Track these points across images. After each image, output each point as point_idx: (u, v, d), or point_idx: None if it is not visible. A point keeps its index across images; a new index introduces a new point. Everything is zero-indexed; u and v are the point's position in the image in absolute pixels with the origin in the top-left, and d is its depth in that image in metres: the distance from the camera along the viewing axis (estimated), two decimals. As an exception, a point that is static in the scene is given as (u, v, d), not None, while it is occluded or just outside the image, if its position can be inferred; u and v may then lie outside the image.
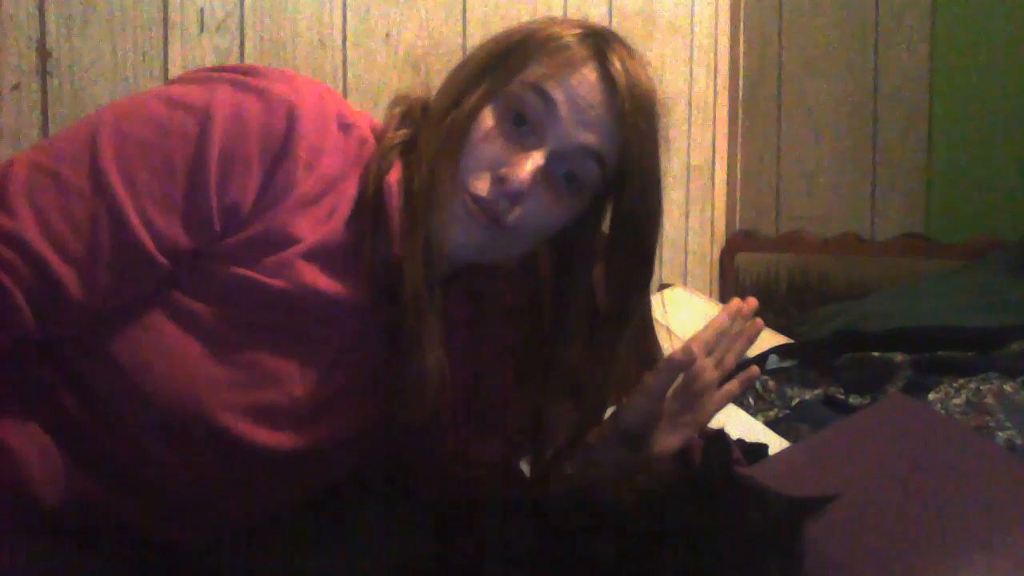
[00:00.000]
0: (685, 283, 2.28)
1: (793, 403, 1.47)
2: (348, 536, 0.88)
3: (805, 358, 1.64)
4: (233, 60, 1.56)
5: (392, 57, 1.73)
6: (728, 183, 2.44)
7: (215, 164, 0.78)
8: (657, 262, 0.94)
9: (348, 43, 1.69)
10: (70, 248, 0.75)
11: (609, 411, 1.03)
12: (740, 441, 1.21)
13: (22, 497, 0.78)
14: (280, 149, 0.80)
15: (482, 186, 0.84)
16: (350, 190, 0.85)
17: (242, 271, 0.80)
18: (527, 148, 0.85)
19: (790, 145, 2.34)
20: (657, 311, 1.22)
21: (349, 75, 1.69)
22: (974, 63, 2.02)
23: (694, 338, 1.03)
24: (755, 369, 1.09)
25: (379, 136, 0.88)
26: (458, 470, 0.98)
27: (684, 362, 1.00)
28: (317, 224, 0.82)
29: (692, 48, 2.34)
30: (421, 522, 0.86)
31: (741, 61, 2.42)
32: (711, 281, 2.42)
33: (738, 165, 2.44)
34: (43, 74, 1.34)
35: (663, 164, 0.90)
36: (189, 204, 0.78)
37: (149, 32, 1.46)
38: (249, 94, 0.80)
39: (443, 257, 0.85)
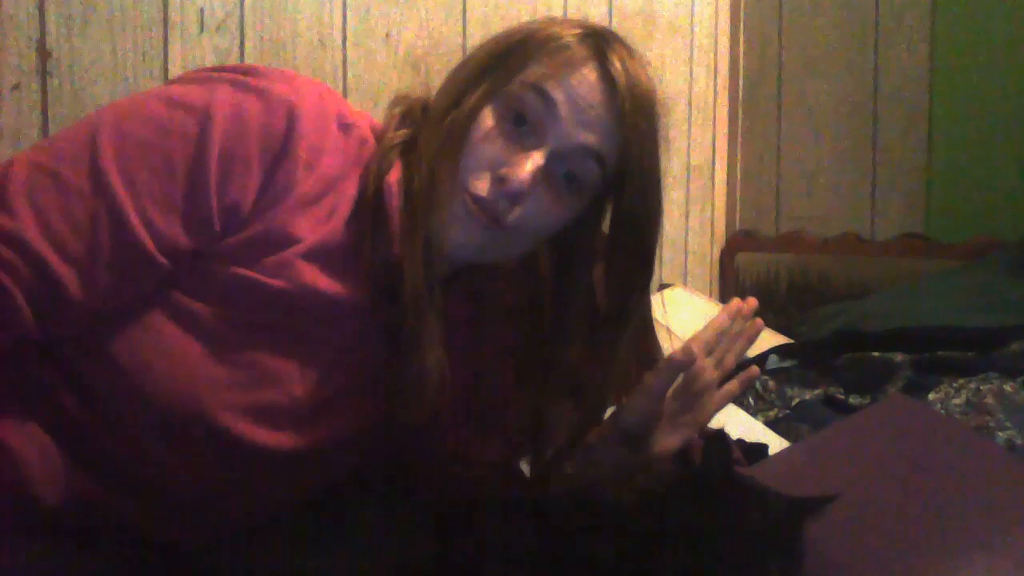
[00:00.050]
0: (685, 283, 2.28)
1: (793, 403, 1.47)
2: (348, 536, 0.88)
3: (805, 358, 1.64)
4: (233, 60, 1.56)
5: (392, 57, 1.73)
6: (728, 183, 2.44)
7: (215, 164, 0.77)
8: (657, 262, 0.94)
9: (348, 43, 1.69)
10: (70, 248, 0.75)
11: (609, 411, 1.03)
12: (740, 441, 1.21)
13: (22, 497, 0.78)
14: (280, 149, 0.80)
15: (482, 186, 0.84)
16: (350, 190, 0.85)
17: (242, 271, 0.80)
18: (527, 148, 0.85)
19: (790, 145, 2.34)
20: (657, 311, 1.22)
21: (349, 75, 1.69)
22: (974, 63, 2.02)
23: (694, 338, 1.03)
24: (755, 369, 1.09)
25: (379, 136, 0.88)
26: (458, 470, 0.98)
27: (684, 362, 1.00)
28: (317, 224, 0.82)
29: (692, 48, 2.34)
30: (421, 522, 0.86)
31: (741, 61, 2.42)
32: (711, 281, 2.42)
33: (738, 165, 2.44)
34: (43, 74, 1.34)
35: (663, 164, 0.90)
36: (189, 204, 0.78)
37: (149, 32, 1.46)
38: (249, 94, 0.80)
39: (443, 257, 0.85)
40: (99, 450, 0.80)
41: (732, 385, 1.05)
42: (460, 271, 0.92)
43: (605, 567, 0.76)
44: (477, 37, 1.85)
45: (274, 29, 1.60)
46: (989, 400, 1.30)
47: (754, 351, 1.53)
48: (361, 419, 0.90)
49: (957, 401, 1.32)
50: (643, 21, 2.19)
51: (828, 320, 1.76)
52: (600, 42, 0.88)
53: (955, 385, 1.35)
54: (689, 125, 2.34)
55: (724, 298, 2.35)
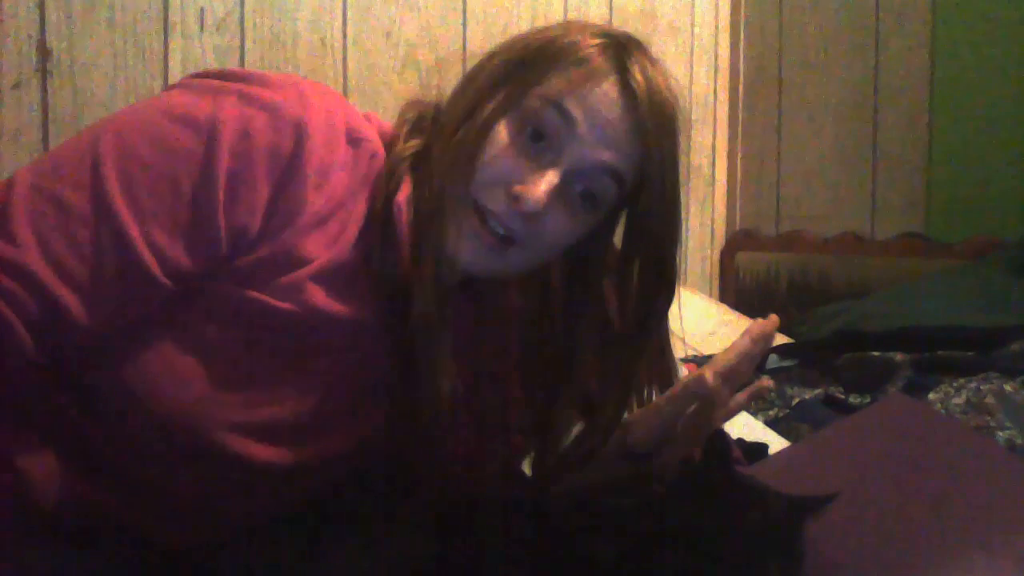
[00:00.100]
0: (685, 283, 2.28)
1: (793, 403, 1.47)
2: (348, 536, 0.88)
3: (805, 358, 1.64)
4: (233, 59, 1.56)
5: (392, 57, 1.73)
6: (728, 183, 2.44)
7: (222, 187, 0.75)
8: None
9: (348, 43, 1.69)
10: (74, 274, 0.73)
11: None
12: (740, 441, 1.21)
13: (21, 499, 0.78)
14: (288, 169, 0.78)
15: (495, 201, 0.82)
16: (360, 208, 0.83)
17: (251, 293, 0.78)
18: (543, 165, 0.82)
19: (790, 145, 2.34)
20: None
21: (349, 75, 1.69)
22: (974, 63, 2.02)
23: (714, 363, 0.97)
24: (767, 381, 1.05)
25: (389, 145, 0.86)
26: (458, 470, 0.98)
27: (702, 393, 0.95)
28: (327, 244, 0.81)
29: (692, 48, 2.34)
30: (421, 522, 0.86)
31: (741, 61, 2.42)
32: (711, 281, 2.42)
33: (738, 165, 2.44)
34: (43, 72, 1.34)
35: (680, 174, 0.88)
36: (195, 228, 0.76)
37: (149, 31, 1.46)
38: (256, 109, 0.78)
39: (454, 274, 0.84)
40: (99, 457, 0.80)
41: (741, 397, 1.02)
42: (469, 279, 0.91)
43: (605, 567, 0.76)
44: (477, 37, 1.85)
45: (274, 28, 1.60)
46: (989, 400, 1.30)
47: (754, 351, 1.53)
48: (364, 431, 0.89)
49: (957, 401, 1.32)
50: (643, 21, 2.19)
51: (828, 320, 1.76)
52: (621, 53, 0.85)
53: (955, 385, 1.35)
54: (689, 125, 2.34)
55: (724, 298, 2.35)
